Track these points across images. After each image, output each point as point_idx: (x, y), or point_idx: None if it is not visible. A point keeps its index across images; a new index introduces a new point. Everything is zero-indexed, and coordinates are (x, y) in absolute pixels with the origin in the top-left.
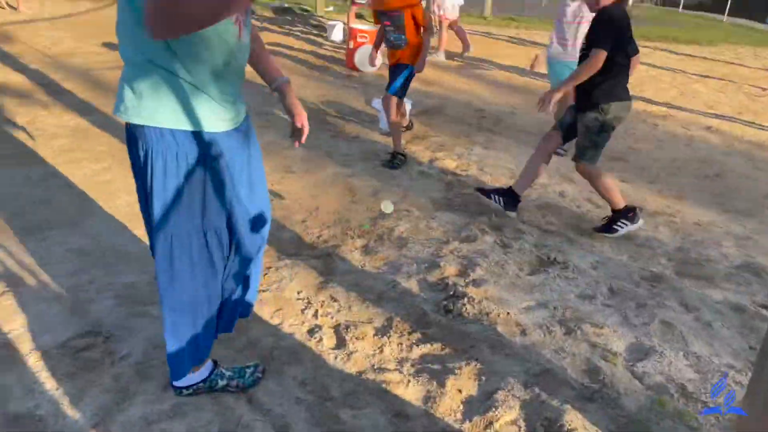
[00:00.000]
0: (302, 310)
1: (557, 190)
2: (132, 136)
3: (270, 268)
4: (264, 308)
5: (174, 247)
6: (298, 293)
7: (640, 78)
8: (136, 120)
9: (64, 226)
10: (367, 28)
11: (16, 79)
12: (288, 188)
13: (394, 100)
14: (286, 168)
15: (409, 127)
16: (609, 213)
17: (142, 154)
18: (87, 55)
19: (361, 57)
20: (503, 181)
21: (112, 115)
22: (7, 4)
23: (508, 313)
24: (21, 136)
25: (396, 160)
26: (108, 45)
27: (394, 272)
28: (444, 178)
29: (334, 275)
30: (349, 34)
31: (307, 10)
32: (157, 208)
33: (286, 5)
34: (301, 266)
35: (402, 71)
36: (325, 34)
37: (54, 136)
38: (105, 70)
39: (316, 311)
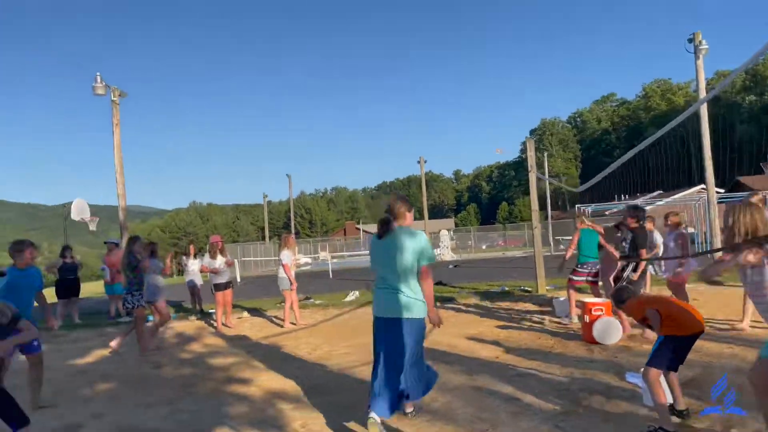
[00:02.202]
0: None
1: None
2: (416, 325)
3: None
4: None
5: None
6: None
7: None
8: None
9: None
10: (600, 300)
11: (287, 384)
12: None
13: (653, 372)
14: None
15: (685, 414)
16: None
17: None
18: (339, 357)
19: (600, 330)
20: None
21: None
22: (223, 324)
23: None
24: None
25: None
26: (355, 345)
27: None
28: None
29: None
30: (583, 307)
31: (527, 291)
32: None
33: (506, 289)
34: None
35: (657, 340)
36: (547, 309)
37: None
38: (354, 368)
39: None
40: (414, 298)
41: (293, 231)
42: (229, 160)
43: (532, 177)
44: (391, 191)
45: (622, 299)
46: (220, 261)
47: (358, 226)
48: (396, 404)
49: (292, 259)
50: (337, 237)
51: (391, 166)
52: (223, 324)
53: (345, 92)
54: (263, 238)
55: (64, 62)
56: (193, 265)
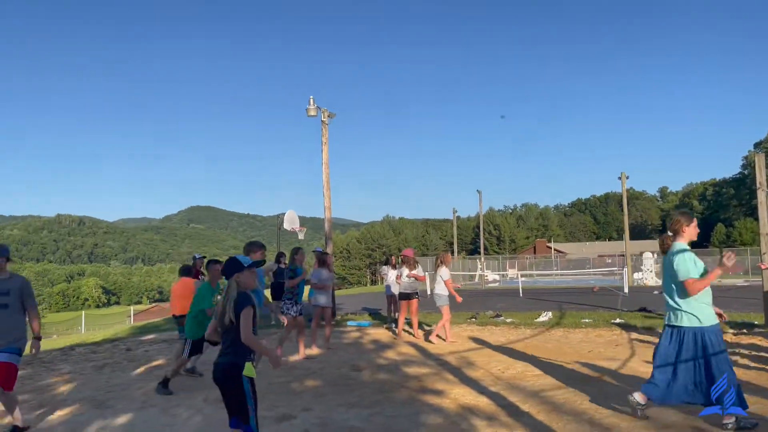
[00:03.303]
0: None
1: None
2: (685, 334)
3: None
4: None
5: None
6: None
7: None
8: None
9: None
10: None
11: (480, 400)
12: None
13: None
14: None
15: None
16: None
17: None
18: (533, 378)
19: None
20: None
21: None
22: (410, 334)
23: None
24: None
25: None
26: (549, 367)
27: None
28: None
29: None
30: None
31: (754, 324)
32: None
33: (726, 320)
34: None
35: None
36: None
37: None
38: (548, 392)
39: None
40: (679, 309)
41: (482, 247)
42: (421, 176)
43: (761, 196)
44: (586, 209)
45: None
46: (404, 272)
47: (549, 244)
48: (664, 397)
49: (449, 276)
50: (526, 255)
51: (587, 182)
52: (410, 333)
53: (539, 102)
54: (452, 253)
55: (279, 87)
56: (392, 275)
